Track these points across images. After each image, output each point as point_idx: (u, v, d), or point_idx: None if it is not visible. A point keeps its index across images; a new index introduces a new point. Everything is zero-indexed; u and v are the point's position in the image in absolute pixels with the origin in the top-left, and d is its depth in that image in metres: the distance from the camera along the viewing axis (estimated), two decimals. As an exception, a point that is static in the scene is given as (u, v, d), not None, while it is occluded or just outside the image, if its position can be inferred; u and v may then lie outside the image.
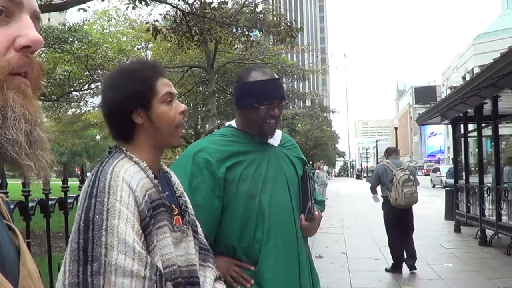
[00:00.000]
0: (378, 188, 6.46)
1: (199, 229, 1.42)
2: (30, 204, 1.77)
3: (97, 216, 1.11)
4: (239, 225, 1.62)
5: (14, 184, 2.01)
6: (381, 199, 6.36)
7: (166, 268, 1.21)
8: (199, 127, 25.66)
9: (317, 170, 19.44)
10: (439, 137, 74.43)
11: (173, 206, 1.31)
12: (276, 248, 1.62)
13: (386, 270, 6.12)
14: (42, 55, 18.54)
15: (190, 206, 1.41)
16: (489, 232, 7.83)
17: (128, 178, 1.18)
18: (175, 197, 1.36)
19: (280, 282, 1.61)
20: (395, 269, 6.03)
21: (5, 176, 1.85)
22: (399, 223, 6.10)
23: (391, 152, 6.58)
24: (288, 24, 11.35)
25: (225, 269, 1.61)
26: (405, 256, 6.08)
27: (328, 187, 20.71)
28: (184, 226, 1.32)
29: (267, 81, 1.65)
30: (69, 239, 1.13)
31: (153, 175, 1.26)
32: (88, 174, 1.30)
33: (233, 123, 1.79)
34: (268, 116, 1.64)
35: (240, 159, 1.65)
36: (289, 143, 1.84)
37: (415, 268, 5.97)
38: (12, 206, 1.70)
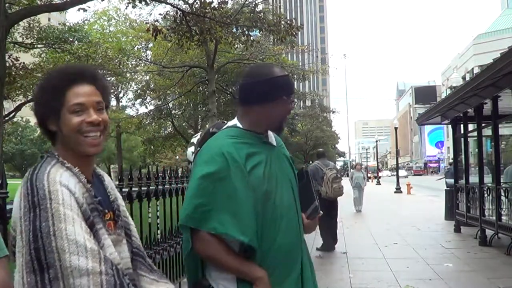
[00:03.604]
0: None
1: (133, 232, 1.44)
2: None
3: (43, 224, 1.14)
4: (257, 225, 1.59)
5: (14, 184, 1.99)
6: None
7: None
8: (199, 127, 25.67)
9: (352, 170, 16.38)
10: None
11: (106, 211, 1.33)
12: (284, 247, 1.62)
13: (317, 249, 7.43)
14: (42, 55, 18.56)
15: (123, 208, 1.43)
16: (489, 232, 7.83)
17: (65, 181, 1.21)
18: (109, 202, 1.37)
19: (283, 281, 1.61)
20: (326, 248, 7.43)
21: (5, 176, 1.84)
22: (326, 212, 7.13)
23: (320, 155, 8.15)
24: (288, 22, 11.36)
25: None
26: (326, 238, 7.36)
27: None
28: (118, 230, 1.35)
29: (289, 76, 1.77)
30: (21, 251, 1.15)
31: (86, 180, 1.28)
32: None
33: (237, 123, 1.73)
34: (288, 111, 1.74)
35: (256, 160, 1.64)
36: (280, 143, 1.85)
37: (334, 249, 7.41)
38: (12, 206, 1.69)
